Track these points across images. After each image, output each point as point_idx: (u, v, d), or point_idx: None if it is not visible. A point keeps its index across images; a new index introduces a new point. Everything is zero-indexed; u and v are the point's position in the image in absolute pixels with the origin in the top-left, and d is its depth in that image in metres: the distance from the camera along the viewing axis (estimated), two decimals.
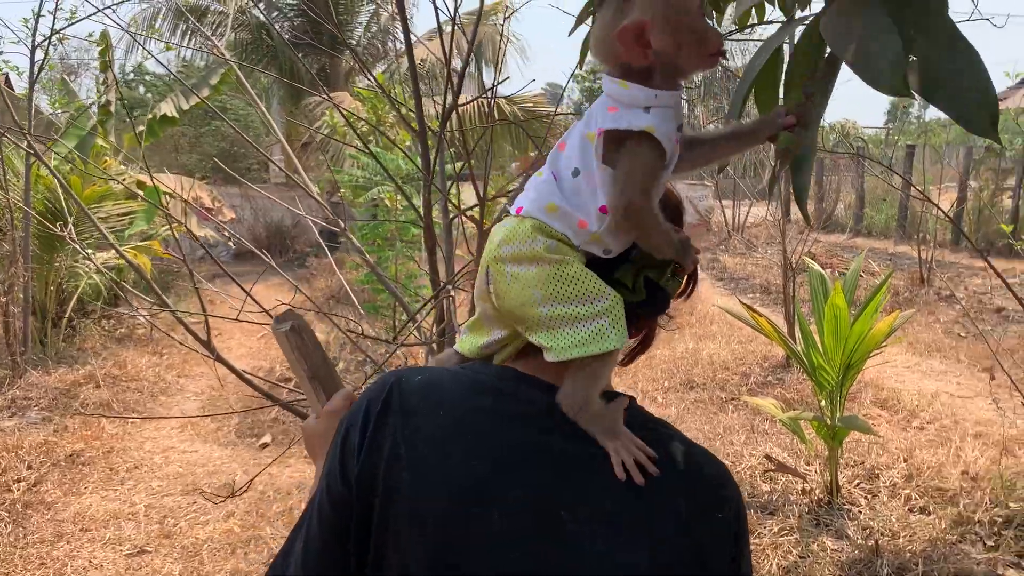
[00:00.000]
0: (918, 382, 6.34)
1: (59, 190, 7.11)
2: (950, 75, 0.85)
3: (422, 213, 2.61)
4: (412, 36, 2.73)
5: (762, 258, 12.73)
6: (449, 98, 2.56)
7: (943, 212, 3.51)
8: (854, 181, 16.57)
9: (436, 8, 2.47)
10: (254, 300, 2.43)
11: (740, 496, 0.98)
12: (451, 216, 2.72)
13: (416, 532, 0.86)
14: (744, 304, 4.41)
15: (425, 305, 2.44)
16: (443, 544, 0.86)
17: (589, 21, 2.32)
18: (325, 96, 3.65)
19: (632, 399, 1.00)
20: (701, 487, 0.94)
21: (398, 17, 2.84)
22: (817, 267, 4.41)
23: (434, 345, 2.54)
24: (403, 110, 3.09)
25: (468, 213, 2.55)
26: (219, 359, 2.33)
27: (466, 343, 1.06)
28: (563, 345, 0.92)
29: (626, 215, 0.92)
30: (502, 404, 0.93)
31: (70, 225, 3.16)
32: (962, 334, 7.80)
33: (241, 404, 6.19)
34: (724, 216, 15.93)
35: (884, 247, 13.81)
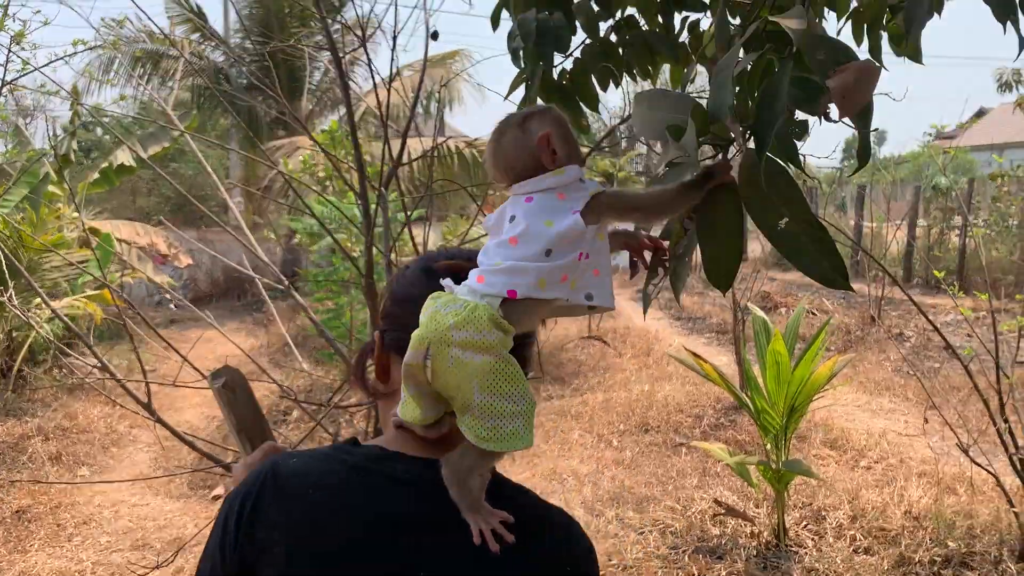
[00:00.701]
0: (867, 421, 6.47)
1: (10, 242, 7.05)
2: (808, 246, 1.15)
3: (363, 271, 2.66)
4: (363, 88, 2.81)
5: (719, 297, 12.91)
6: (412, 148, 2.62)
7: (866, 252, 3.63)
8: None
9: (380, 73, 2.54)
10: (191, 365, 2.44)
11: (590, 549, 1.11)
12: (394, 272, 2.77)
13: None
14: (690, 352, 4.50)
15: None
16: None
17: (520, 89, 2.42)
18: (269, 163, 3.68)
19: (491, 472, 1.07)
20: (548, 545, 1.06)
21: (358, 61, 2.92)
22: (760, 312, 4.52)
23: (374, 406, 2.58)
24: (343, 167, 3.15)
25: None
26: (159, 421, 2.34)
27: (407, 413, 1.08)
28: (485, 436, 0.99)
29: (640, 218, 1.21)
30: (372, 479, 1.02)
31: (10, 290, 3.14)
32: (911, 372, 7.98)
33: (192, 457, 6.12)
34: None
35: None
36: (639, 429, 6.49)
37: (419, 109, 15.45)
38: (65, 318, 2.92)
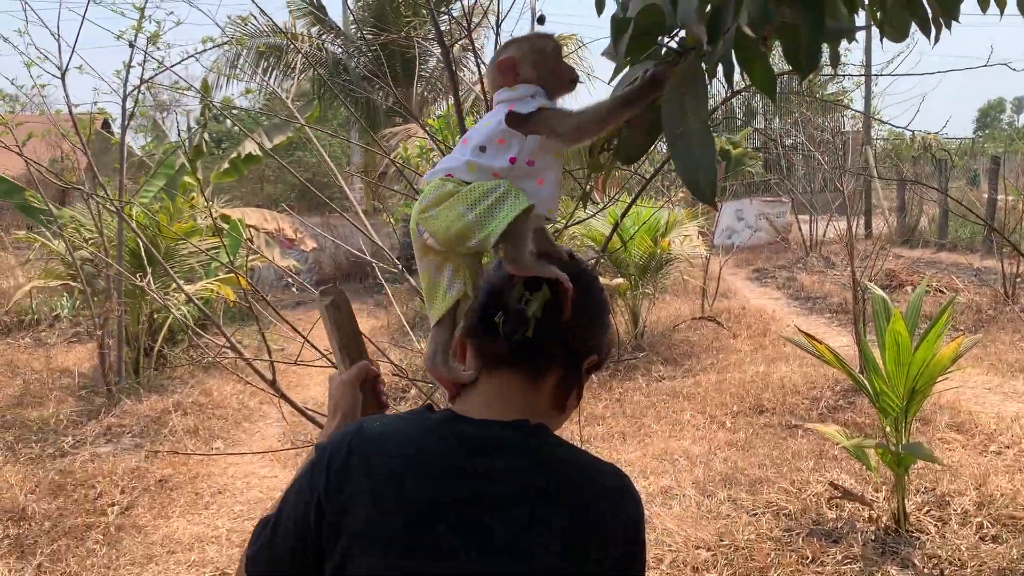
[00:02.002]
0: (998, 404, 6.16)
1: (149, 231, 7.55)
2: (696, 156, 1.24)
3: None
4: (475, 75, 2.88)
5: (840, 275, 12.48)
6: None
7: (993, 228, 3.46)
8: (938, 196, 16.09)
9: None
10: (312, 345, 2.59)
11: (637, 505, 1.19)
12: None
13: (379, 550, 1.10)
14: (804, 333, 4.40)
15: None
16: (401, 556, 1.10)
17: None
18: (380, 149, 3.80)
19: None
20: (592, 497, 1.16)
21: (469, 48, 3.01)
22: (879, 292, 4.38)
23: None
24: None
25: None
26: (283, 396, 2.50)
27: (436, 311, 1.29)
28: (495, 226, 1.20)
29: (575, 135, 1.29)
30: (444, 438, 1.17)
31: (148, 277, 3.40)
32: None
33: (316, 431, 6.43)
34: (801, 232, 15.66)
35: (970, 262, 13.37)
36: (753, 411, 6.39)
37: None
38: (198, 302, 3.14)
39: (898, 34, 1.45)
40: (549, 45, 1.37)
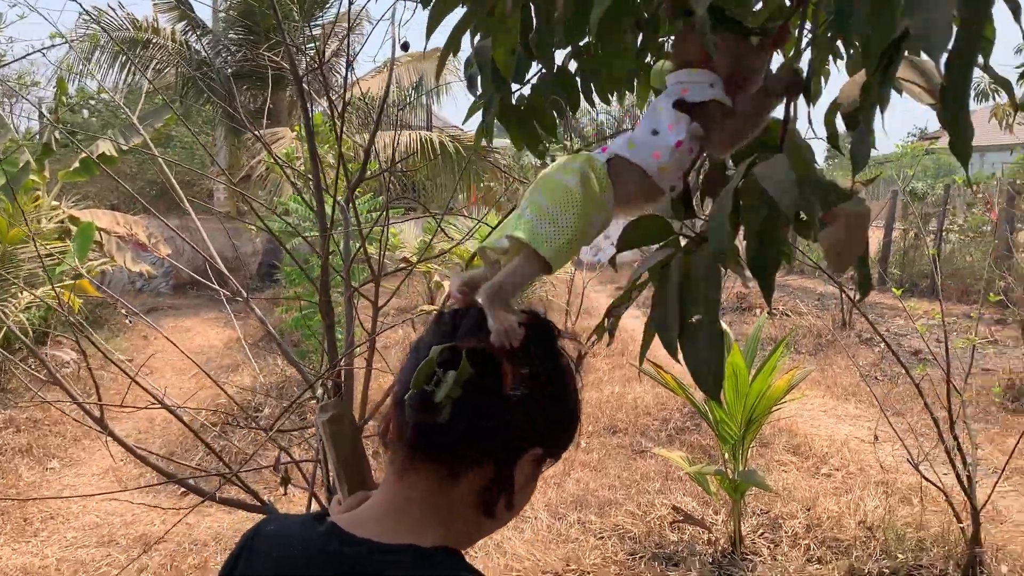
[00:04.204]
0: (832, 427, 6.58)
1: None
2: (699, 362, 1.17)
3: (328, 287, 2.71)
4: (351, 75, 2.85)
5: None
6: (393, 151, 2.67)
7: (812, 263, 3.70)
8: None
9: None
10: (136, 382, 2.48)
11: None
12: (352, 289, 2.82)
13: None
14: (652, 363, 4.57)
15: (319, 380, 2.53)
16: None
17: (479, 115, 2.46)
18: (255, 134, 3.69)
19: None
20: None
21: (342, 54, 2.98)
22: (723, 325, 4.59)
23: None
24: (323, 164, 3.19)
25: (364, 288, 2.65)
26: (111, 435, 2.39)
27: (489, 240, 1.15)
28: (520, 227, 1.07)
29: (727, 143, 1.24)
30: (313, 563, 0.98)
31: None
32: (879, 377, 8.10)
33: (166, 449, 6.17)
34: None
35: (815, 286, 14.23)
36: (607, 431, 6.58)
37: (411, 98, 15.45)
38: (51, 303, 2.95)
39: None
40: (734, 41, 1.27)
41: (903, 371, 8.15)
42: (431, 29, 1.90)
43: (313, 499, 2.57)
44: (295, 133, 10.33)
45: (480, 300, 1.03)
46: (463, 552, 0.99)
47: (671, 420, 6.65)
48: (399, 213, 9.09)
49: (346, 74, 2.53)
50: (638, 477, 5.50)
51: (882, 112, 1.10)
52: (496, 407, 0.96)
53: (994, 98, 10.85)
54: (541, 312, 1.09)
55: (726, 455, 4.43)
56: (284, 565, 0.98)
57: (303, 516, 1.09)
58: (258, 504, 2.51)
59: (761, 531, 4.58)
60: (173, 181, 3.63)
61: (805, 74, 1.30)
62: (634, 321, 11.85)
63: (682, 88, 1.22)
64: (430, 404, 0.95)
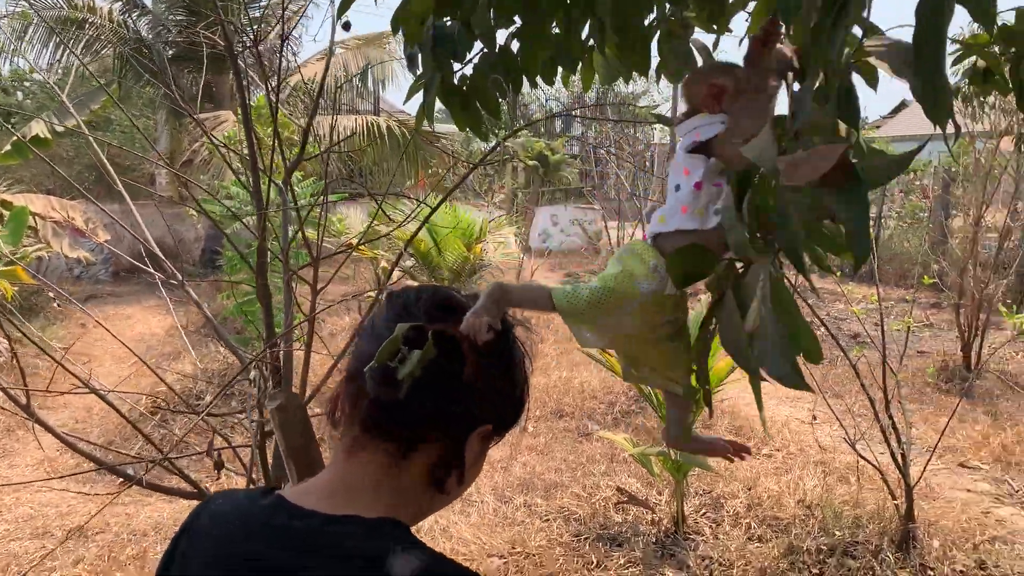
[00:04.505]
0: (774, 409, 6.70)
1: None
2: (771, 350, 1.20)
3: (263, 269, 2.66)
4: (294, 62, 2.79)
5: None
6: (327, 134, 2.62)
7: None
8: None
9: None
10: (63, 366, 2.41)
11: None
12: (291, 272, 2.77)
13: None
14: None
15: (253, 361, 2.48)
16: None
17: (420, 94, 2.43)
18: (197, 122, 3.61)
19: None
20: None
21: (285, 37, 2.93)
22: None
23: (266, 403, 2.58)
24: (235, 162, 3.13)
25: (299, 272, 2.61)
26: (38, 421, 2.31)
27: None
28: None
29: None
30: (255, 535, 0.97)
31: None
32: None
33: (104, 439, 6.03)
34: (610, 238, 16.34)
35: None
36: (554, 415, 6.61)
37: (355, 84, 15.25)
38: None
39: None
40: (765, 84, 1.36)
41: (842, 353, 8.35)
42: None
43: (250, 485, 2.52)
44: (238, 116, 10.13)
45: (486, 290, 1.15)
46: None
47: (617, 403, 6.71)
48: (340, 198, 8.97)
49: (281, 48, 2.48)
50: (584, 460, 5.54)
51: (836, 58, 1.13)
52: (453, 388, 1.00)
53: None
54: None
55: None
56: (223, 542, 0.98)
57: (250, 491, 1.08)
58: (195, 491, 2.46)
59: (704, 511, 4.65)
60: (107, 164, 3.53)
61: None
62: None
63: (696, 132, 1.34)
64: (391, 380, 0.97)
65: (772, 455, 5.62)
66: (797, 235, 1.17)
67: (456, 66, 2.35)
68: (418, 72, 2.37)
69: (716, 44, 2.11)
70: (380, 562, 0.91)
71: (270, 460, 2.67)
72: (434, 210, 2.64)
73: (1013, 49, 3.15)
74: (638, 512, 4.60)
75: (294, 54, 14.78)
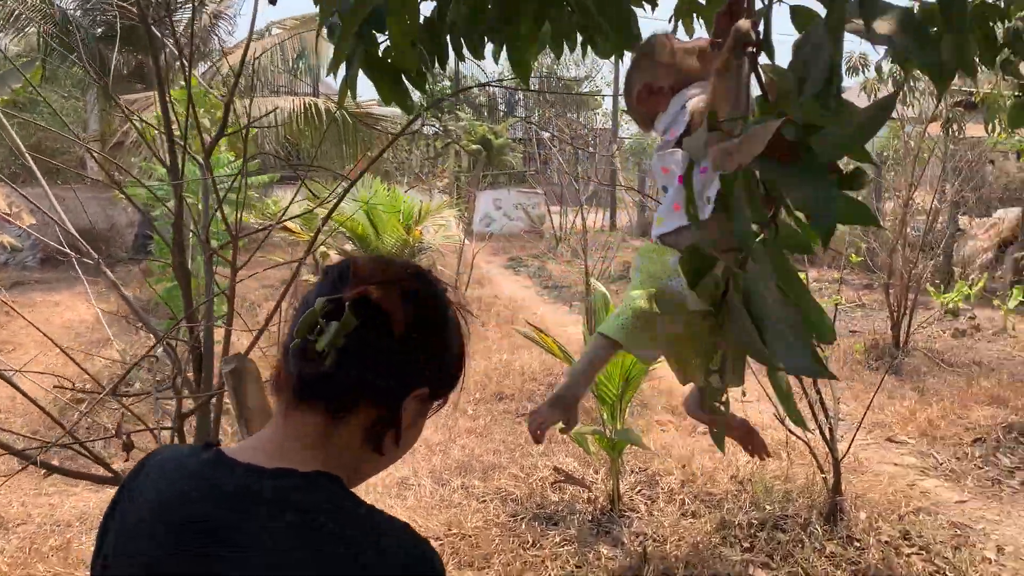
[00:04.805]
0: None
1: None
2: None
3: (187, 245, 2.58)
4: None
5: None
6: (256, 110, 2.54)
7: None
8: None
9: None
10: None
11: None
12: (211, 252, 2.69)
13: None
14: (533, 326, 4.60)
15: (163, 339, 2.41)
16: None
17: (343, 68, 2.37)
18: (116, 102, 3.47)
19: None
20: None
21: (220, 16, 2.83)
22: (600, 287, 4.65)
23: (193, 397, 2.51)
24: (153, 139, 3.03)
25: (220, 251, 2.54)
26: None
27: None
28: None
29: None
30: (194, 489, 0.98)
31: None
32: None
33: (29, 428, 5.83)
34: (552, 222, 16.39)
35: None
36: (495, 397, 6.60)
37: (292, 64, 14.96)
38: None
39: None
40: (665, 47, 1.38)
41: None
42: None
43: None
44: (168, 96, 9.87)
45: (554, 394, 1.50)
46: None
47: (557, 384, 6.72)
48: (271, 179, 8.78)
49: (192, 13, 2.39)
50: (523, 441, 5.53)
51: None
52: (381, 354, 1.00)
53: (863, 72, 11.34)
54: (429, 269, 1.13)
55: (604, 415, 4.50)
56: (163, 494, 0.99)
57: (191, 446, 1.12)
58: (110, 475, 2.38)
59: (639, 488, 4.69)
60: (20, 145, 3.39)
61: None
62: (525, 291, 11.96)
63: (669, 131, 1.34)
64: (313, 353, 0.97)
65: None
66: (748, 234, 1.16)
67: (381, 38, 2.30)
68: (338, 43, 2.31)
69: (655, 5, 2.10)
70: (314, 514, 0.93)
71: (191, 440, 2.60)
72: (352, 184, 2.59)
73: (935, 28, 3.20)
74: (575, 491, 4.62)
75: (230, 34, 14.48)
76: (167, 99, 2.45)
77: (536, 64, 2.38)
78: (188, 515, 0.95)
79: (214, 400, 2.54)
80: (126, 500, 1.04)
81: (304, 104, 12.78)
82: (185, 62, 2.86)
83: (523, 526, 4.23)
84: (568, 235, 16.04)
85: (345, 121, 13.06)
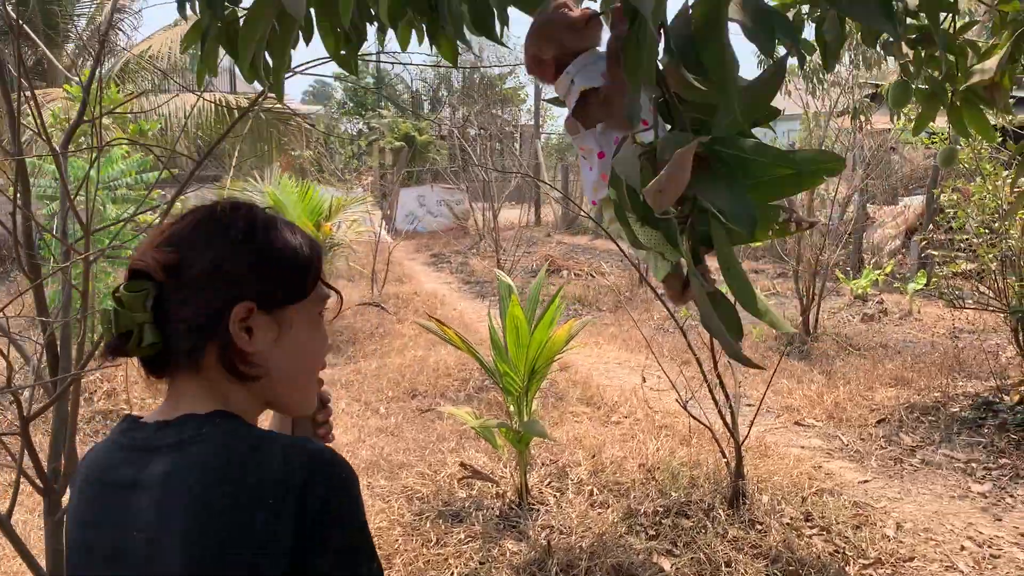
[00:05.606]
0: (624, 378, 6.79)
1: None
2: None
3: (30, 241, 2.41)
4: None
5: (506, 262, 13.15)
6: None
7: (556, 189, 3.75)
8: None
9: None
10: None
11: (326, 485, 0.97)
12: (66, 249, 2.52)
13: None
14: (435, 320, 4.50)
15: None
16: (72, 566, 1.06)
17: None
18: None
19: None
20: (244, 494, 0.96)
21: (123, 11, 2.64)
22: (505, 278, 4.58)
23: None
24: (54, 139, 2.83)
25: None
26: None
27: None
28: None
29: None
30: (113, 450, 1.07)
31: None
32: (671, 329, 8.46)
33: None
34: (476, 219, 16.32)
35: (621, 248, 14.73)
36: (407, 395, 6.48)
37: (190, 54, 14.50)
38: None
39: None
40: (551, 22, 1.37)
41: (693, 323, 8.57)
42: None
43: (22, 476, 2.29)
44: (68, 92, 9.46)
45: None
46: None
47: (471, 380, 6.64)
48: (160, 178, 8.45)
49: None
50: (434, 438, 5.44)
51: None
52: (172, 301, 1.03)
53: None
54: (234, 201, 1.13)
55: (511, 407, 4.43)
56: (91, 468, 1.08)
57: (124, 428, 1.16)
58: None
59: (549, 480, 4.64)
60: None
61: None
62: (446, 287, 11.84)
63: (571, 101, 1.36)
64: (125, 341, 1.03)
65: (620, 422, 5.68)
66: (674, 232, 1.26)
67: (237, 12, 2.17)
68: (187, 15, 2.19)
69: None
70: (209, 442, 0.99)
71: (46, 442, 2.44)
72: (204, 159, 2.44)
73: (818, 12, 3.19)
74: (483, 487, 4.54)
75: (135, 28, 13.95)
76: (6, 84, 2.27)
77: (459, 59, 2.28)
78: (105, 477, 1.04)
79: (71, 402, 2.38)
80: (74, 490, 1.10)
81: (216, 100, 12.42)
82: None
83: (427, 524, 4.13)
84: (491, 231, 15.99)
85: (260, 118, 12.75)
